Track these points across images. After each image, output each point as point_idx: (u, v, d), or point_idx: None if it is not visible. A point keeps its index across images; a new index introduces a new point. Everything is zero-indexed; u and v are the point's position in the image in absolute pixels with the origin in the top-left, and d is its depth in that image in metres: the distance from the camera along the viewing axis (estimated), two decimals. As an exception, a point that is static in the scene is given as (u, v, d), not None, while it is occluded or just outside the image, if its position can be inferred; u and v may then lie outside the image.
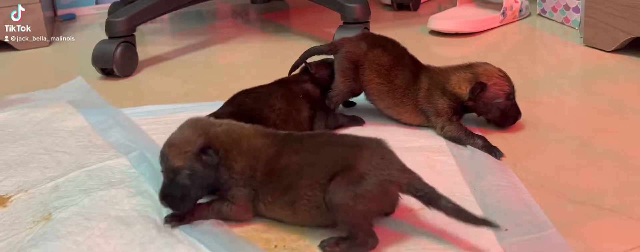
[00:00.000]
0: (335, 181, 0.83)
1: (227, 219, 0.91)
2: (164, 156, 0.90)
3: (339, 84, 1.18)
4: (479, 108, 1.15)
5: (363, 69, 1.17)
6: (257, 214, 0.91)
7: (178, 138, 0.90)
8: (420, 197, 0.85)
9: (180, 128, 0.92)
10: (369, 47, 1.17)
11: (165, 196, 0.89)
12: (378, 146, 0.87)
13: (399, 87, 1.17)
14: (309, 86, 1.18)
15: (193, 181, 0.88)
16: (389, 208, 0.88)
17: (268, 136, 0.92)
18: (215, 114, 1.07)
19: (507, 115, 1.15)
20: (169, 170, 0.89)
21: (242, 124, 0.95)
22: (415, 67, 1.18)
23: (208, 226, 0.90)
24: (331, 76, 1.19)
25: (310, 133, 0.94)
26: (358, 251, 0.84)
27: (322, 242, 0.85)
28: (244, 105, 1.10)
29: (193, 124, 0.92)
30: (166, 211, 0.93)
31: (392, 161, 0.86)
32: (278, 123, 1.07)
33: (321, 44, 1.25)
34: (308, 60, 1.22)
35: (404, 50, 1.20)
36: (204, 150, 0.88)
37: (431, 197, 0.84)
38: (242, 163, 0.90)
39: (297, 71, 1.23)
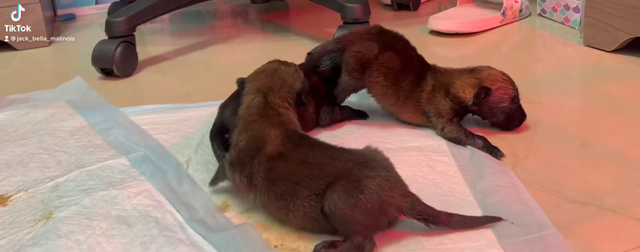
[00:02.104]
0: (334, 189, 0.83)
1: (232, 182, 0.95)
2: None
3: (344, 82, 1.17)
4: (484, 112, 1.14)
5: (371, 71, 1.15)
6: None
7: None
8: (422, 220, 0.86)
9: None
10: (380, 50, 1.15)
11: None
12: (383, 167, 0.87)
13: (404, 90, 1.16)
14: (315, 80, 1.18)
15: None
16: (385, 228, 0.86)
17: (282, 132, 0.93)
18: (221, 120, 1.10)
19: (512, 118, 1.15)
20: None
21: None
22: (422, 69, 1.17)
23: (209, 225, 0.91)
24: (335, 70, 1.18)
25: (322, 144, 0.93)
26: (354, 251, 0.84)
27: (316, 246, 0.85)
28: None
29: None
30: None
31: (396, 184, 0.86)
32: None
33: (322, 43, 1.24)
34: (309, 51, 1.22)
35: (413, 51, 1.18)
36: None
37: (433, 218, 0.86)
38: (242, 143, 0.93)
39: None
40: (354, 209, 0.82)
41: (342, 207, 0.82)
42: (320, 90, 1.18)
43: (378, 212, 0.83)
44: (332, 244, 0.84)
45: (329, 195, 0.83)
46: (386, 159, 0.88)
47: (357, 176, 0.84)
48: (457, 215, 0.87)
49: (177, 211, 0.95)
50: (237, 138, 0.95)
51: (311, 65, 1.20)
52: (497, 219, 0.88)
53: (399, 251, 0.84)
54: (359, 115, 1.23)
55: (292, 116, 0.99)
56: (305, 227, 0.88)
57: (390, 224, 0.86)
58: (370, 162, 0.87)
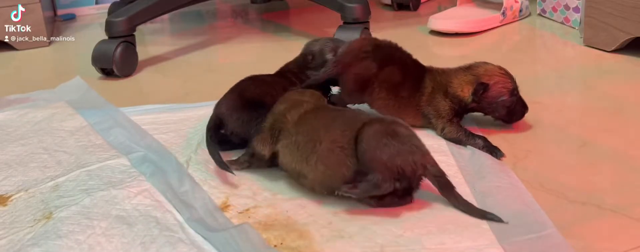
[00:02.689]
0: (371, 125, 0.91)
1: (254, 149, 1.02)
2: None
3: (343, 99, 1.17)
4: (484, 108, 1.14)
5: (372, 89, 1.15)
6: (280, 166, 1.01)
7: None
8: (439, 181, 0.92)
9: None
10: (379, 67, 1.14)
11: None
12: (406, 127, 0.94)
13: (404, 98, 1.16)
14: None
15: None
16: (408, 177, 0.90)
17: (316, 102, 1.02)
18: (218, 115, 1.11)
19: (513, 111, 1.15)
20: None
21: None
22: (419, 74, 1.17)
23: (209, 224, 0.91)
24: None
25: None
26: (371, 189, 0.90)
27: (341, 187, 0.90)
28: (248, 91, 1.12)
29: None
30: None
31: (421, 143, 0.93)
32: None
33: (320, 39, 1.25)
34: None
35: (408, 58, 1.18)
36: None
37: (448, 185, 0.92)
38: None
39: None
40: (384, 149, 0.89)
41: (374, 145, 0.89)
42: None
43: (406, 155, 0.89)
44: (354, 185, 0.90)
45: (366, 130, 0.90)
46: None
47: (389, 122, 0.93)
48: (462, 198, 0.92)
49: (177, 210, 0.95)
50: (277, 106, 1.03)
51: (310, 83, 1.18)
52: (495, 218, 0.89)
53: (399, 250, 0.85)
54: None
55: None
56: (321, 180, 0.93)
57: (414, 176, 0.91)
58: (398, 123, 0.95)
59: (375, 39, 1.20)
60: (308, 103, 1.01)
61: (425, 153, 0.92)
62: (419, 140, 0.93)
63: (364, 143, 0.90)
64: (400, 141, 0.90)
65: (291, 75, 1.19)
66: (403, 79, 1.15)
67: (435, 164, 0.92)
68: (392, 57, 1.16)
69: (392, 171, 0.89)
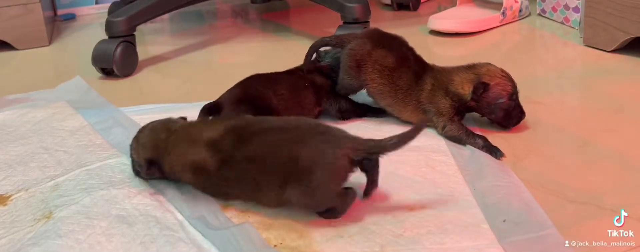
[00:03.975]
0: (291, 187, 0.88)
1: None
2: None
3: (343, 80, 1.20)
4: (482, 108, 1.15)
5: (365, 68, 1.17)
6: None
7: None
8: (372, 155, 0.90)
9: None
10: (373, 47, 1.18)
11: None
12: (316, 131, 0.91)
13: (401, 88, 1.17)
14: (316, 75, 1.22)
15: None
16: (349, 177, 0.90)
17: (210, 144, 0.94)
18: (219, 100, 1.15)
19: (510, 115, 1.15)
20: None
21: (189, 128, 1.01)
22: (420, 68, 1.18)
23: (209, 223, 0.91)
24: (336, 66, 1.21)
25: (262, 128, 0.94)
26: (340, 211, 0.91)
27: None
28: (252, 89, 1.15)
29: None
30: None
31: (330, 139, 0.89)
32: (280, 108, 1.13)
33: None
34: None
35: (409, 51, 1.20)
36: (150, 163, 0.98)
37: (379, 150, 0.90)
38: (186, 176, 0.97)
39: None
40: (314, 195, 0.88)
41: (305, 203, 0.89)
42: (323, 85, 1.21)
43: (333, 177, 0.88)
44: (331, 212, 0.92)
45: (290, 195, 0.89)
46: (316, 122, 0.94)
47: (300, 164, 0.87)
48: (399, 137, 0.90)
49: (177, 210, 0.95)
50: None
51: (313, 61, 1.23)
52: (422, 126, 0.91)
53: (399, 250, 0.85)
54: (375, 112, 1.23)
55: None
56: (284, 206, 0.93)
57: (352, 169, 0.90)
58: (304, 134, 0.90)
59: (380, 29, 1.24)
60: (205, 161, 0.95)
61: (340, 157, 0.88)
62: (332, 139, 0.89)
63: (295, 203, 0.90)
64: (320, 179, 0.87)
65: (301, 72, 1.22)
66: (397, 66, 1.17)
67: (355, 148, 0.88)
68: (388, 43, 1.19)
69: (336, 195, 0.90)
